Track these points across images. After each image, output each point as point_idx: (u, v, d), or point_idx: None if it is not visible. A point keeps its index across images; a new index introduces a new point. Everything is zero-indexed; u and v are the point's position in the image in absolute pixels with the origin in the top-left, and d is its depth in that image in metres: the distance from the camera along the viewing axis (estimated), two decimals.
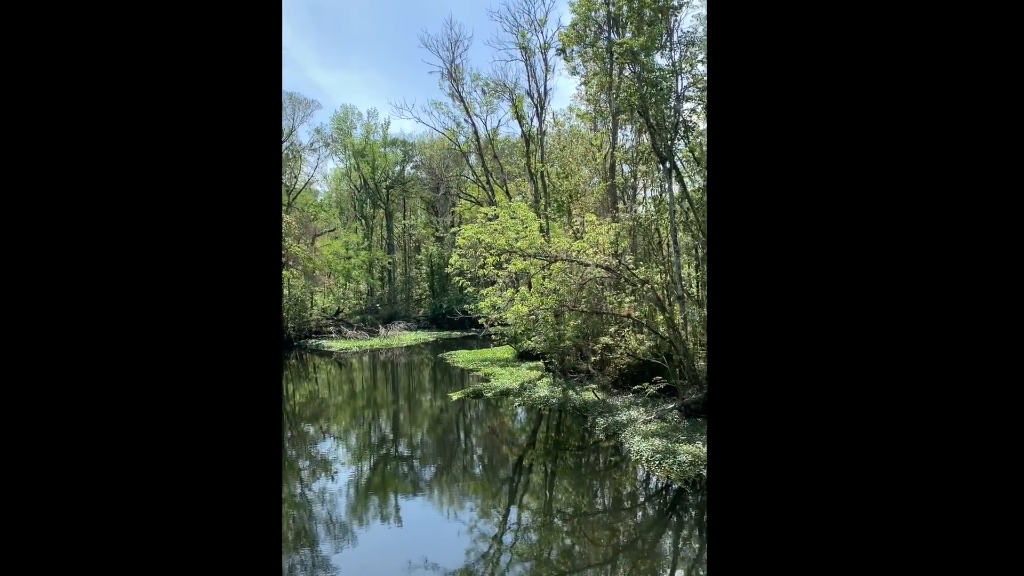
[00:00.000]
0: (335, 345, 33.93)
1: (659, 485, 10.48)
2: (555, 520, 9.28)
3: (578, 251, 15.18)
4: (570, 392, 16.92)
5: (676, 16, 16.01)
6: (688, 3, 15.87)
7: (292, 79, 72.48)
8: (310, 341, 35.84)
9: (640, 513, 9.65)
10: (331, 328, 38.86)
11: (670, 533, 8.80)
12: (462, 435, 15.57)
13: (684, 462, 10.51)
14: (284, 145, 41.18)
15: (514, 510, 9.85)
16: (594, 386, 16.86)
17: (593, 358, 17.95)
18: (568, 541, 8.57)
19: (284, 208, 37.74)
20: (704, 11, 15.59)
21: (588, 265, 14.98)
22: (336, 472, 11.90)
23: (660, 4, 15.61)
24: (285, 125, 40.83)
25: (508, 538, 8.72)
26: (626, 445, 12.07)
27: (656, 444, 11.41)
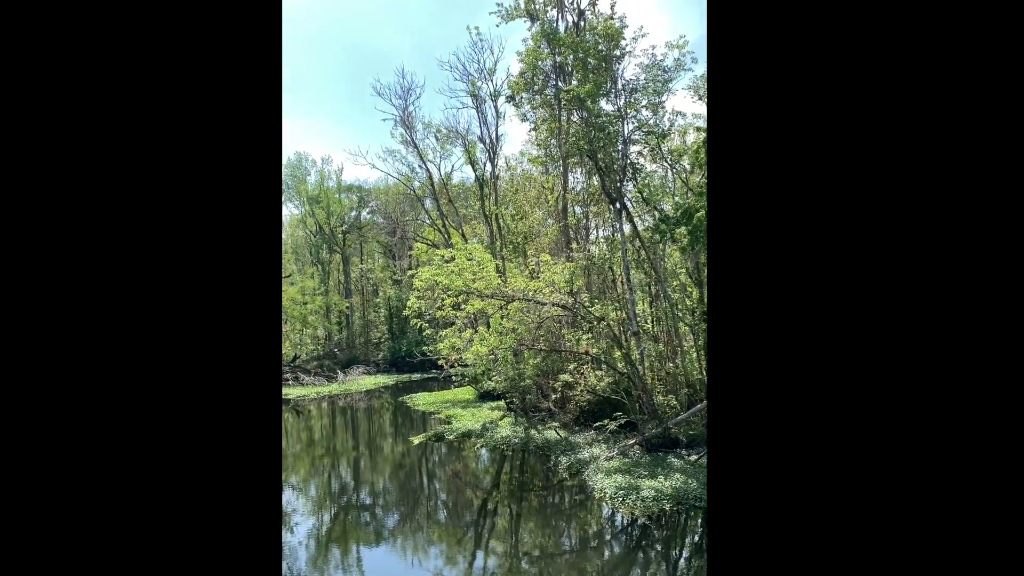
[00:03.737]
0: (292, 392, 33.13)
1: (624, 522, 10.57)
2: (522, 563, 9.24)
3: (534, 290, 15.44)
4: (532, 431, 16.95)
5: (619, 64, 16.79)
6: (631, 52, 16.68)
7: None
8: None
9: (607, 551, 9.69)
10: (288, 375, 38.00)
11: (637, 571, 8.87)
12: (425, 480, 15.37)
13: (647, 497, 10.64)
14: None
15: (480, 555, 9.77)
16: (556, 424, 16.95)
17: (554, 396, 18.08)
18: None
19: None
20: (646, 60, 16.41)
21: (545, 304, 15.25)
22: (295, 524, 11.59)
23: (604, 54, 16.37)
24: None
25: None
26: (590, 483, 12.15)
27: (619, 480, 11.53)
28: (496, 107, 27.75)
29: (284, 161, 54.77)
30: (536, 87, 19.20)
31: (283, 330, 40.54)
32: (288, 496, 14.17)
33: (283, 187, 46.42)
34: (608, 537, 10.30)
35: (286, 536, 10.88)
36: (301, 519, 11.95)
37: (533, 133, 21.04)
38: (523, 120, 20.35)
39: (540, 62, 18.67)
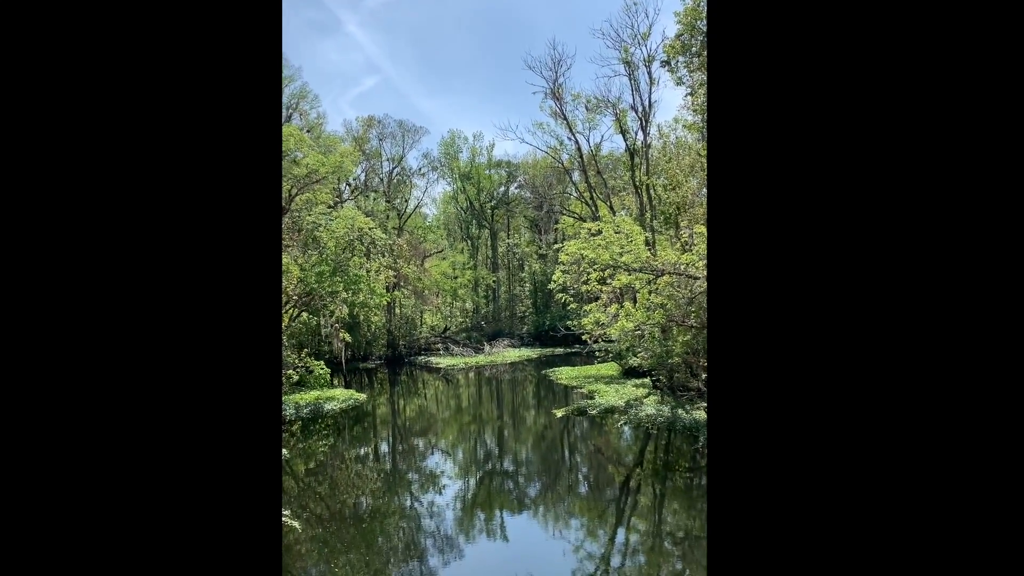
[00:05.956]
0: (442, 362, 34.81)
1: None
2: (665, 543, 8.86)
3: (687, 264, 14.65)
4: (679, 411, 16.25)
5: None
6: None
7: (398, 107, 76.20)
8: (419, 358, 37.02)
9: None
10: (439, 345, 39.97)
11: None
12: (566, 452, 15.35)
13: None
14: (395, 171, 43.17)
15: (621, 531, 9.51)
16: (705, 405, 16.10)
17: (704, 375, 17.18)
18: (679, 565, 8.14)
19: (396, 232, 39.40)
20: None
21: (698, 278, 14.42)
22: (444, 486, 12.07)
23: None
24: (396, 152, 42.83)
25: (616, 560, 8.41)
26: None
27: None
28: (650, 72, 26.64)
29: (438, 139, 56.96)
30: (694, 49, 18.07)
31: (435, 302, 42.49)
32: (437, 459, 14.82)
33: (437, 165, 48.33)
34: None
35: (435, 497, 11.36)
36: (449, 482, 12.42)
37: (689, 98, 19.90)
38: (678, 84, 19.32)
39: (699, 22, 17.49)
